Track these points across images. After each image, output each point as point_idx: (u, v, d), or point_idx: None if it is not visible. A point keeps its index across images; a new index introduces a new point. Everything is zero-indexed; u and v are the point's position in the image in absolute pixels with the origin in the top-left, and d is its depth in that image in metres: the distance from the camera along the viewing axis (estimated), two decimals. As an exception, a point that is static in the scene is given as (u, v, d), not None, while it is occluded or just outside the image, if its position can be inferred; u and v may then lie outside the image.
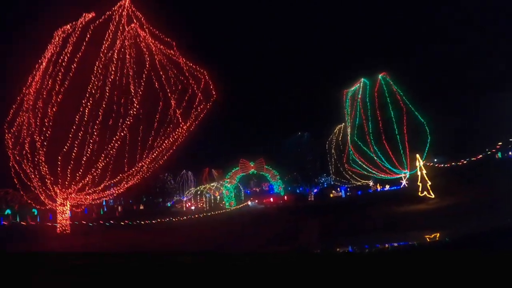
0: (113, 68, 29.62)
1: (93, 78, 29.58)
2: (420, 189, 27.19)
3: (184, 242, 22.58)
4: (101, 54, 30.13)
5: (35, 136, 29.60)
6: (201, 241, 22.00)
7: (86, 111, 29.05)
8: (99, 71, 29.76)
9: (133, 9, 31.21)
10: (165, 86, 30.41)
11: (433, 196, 26.27)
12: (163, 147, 29.48)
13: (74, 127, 28.96)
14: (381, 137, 57.20)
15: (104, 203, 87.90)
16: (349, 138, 62.80)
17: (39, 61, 32.03)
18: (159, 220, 40.56)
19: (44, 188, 30.36)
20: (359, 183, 72.94)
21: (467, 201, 23.52)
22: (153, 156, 29.43)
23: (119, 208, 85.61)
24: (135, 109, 28.53)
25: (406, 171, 59.58)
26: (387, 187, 70.93)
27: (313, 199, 77.02)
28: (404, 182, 61.88)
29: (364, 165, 61.33)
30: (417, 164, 27.07)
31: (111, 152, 28.22)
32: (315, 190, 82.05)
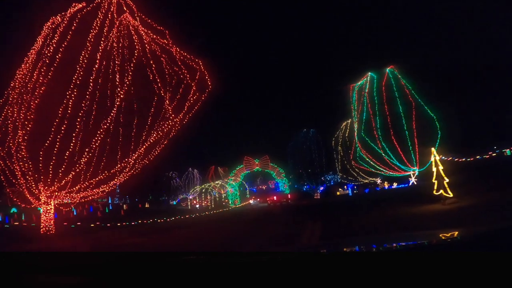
0: (99, 58, 26.69)
1: (78, 69, 26.73)
2: (435, 187, 23.63)
3: (172, 244, 21.02)
4: (87, 44, 27.30)
5: (18, 131, 26.88)
6: (197, 241, 20.56)
7: (70, 103, 26.20)
8: (85, 61, 26.94)
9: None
10: (155, 76, 27.42)
11: (451, 195, 22.78)
12: (151, 140, 26.42)
13: (57, 120, 26.16)
14: (389, 133, 53.92)
15: (110, 201, 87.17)
16: (356, 134, 59.50)
17: (28, 53, 29.50)
18: (151, 220, 37.62)
19: (28, 185, 27.59)
20: (366, 181, 69.53)
21: (491, 201, 20.10)
22: (142, 150, 26.38)
23: (125, 206, 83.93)
24: (119, 100, 25.57)
25: (415, 168, 56.31)
26: (395, 185, 67.54)
27: (319, 197, 73.69)
28: (412, 179, 58.40)
29: (371, 162, 58.06)
30: (432, 159, 23.50)
31: (94, 146, 25.26)
32: (322, 188, 78.83)
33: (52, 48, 27.60)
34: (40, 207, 28.28)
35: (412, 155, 54.75)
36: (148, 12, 29.98)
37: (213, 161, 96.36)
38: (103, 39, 27.73)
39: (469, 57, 66.56)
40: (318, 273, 2.65)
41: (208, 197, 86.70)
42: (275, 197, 77.45)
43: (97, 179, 26.63)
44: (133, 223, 35.59)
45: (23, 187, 27.71)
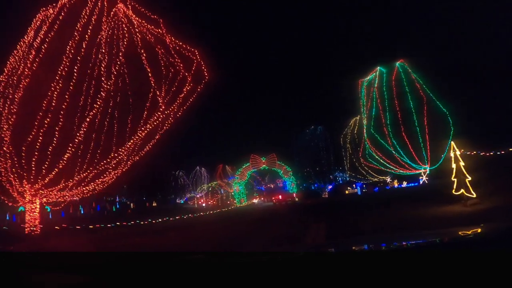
0: (84, 47, 24.22)
1: (64, 60, 24.29)
2: (455, 186, 20.38)
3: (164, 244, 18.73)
4: (75, 34, 24.87)
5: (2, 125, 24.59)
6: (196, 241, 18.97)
7: (55, 95, 23.76)
8: (72, 52, 24.49)
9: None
10: (147, 67, 24.82)
11: (474, 195, 19.59)
12: (140, 134, 23.77)
13: (41, 113, 23.73)
14: (399, 129, 50.72)
15: (117, 199, 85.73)
16: (365, 130, 56.40)
17: (17, 46, 27.26)
18: (150, 220, 35.01)
19: (13, 183, 25.21)
20: (375, 179, 66.22)
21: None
22: (130, 145, 23.76)
23: (132, 205, 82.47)
24: (104, 91, 22.99)
25: (426, 166, 53.03)
26: (404, 183, 64.11)
27: (327, 196, 70.52)
28: (423, 178, 55.07)
29: (381, 160, 54.89)
30: (451, 154, 20.27)
31: (77, 140, 22.71)
32: (330, 187, 75.64)
33: (40, 39, 25.35)
34: (25, 206, 25.85)
35: (423, 153, 51.67)
36: (144, 4, 27.54)
37: (222, 159, 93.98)
38: (90, 27, 25.24)
39: (485, 48, 62.41)
40: (317, 273, 2.56)
41: (217, 195, 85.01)
42: (280, 196, 74.62)
43: (83, 175, 23.98)
44: (129, 223, 32.98)
45: (7, 185, 25.31)
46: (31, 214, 25.71)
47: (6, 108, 24.88)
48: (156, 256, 4.29)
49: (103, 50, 24.43)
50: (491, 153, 27.52)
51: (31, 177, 24.35)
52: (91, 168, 23.86)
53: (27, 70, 24.83)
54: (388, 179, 66.87)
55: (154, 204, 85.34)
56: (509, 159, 26.48)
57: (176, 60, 25.40)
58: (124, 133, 24.07)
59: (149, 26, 27.24)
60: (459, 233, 4.25)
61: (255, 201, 76.55)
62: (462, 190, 19.79)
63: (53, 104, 23.85)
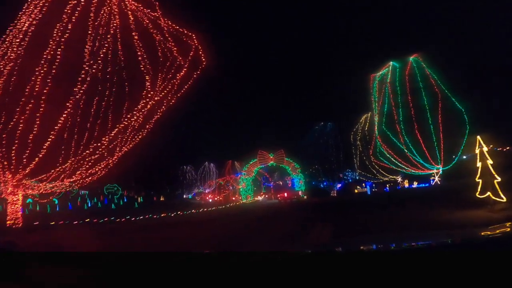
0: (69, 29, 21.81)
1: (51, 43, 21.94)
2: (479, 188, 17.16)
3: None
4: (64, 16, 22.50)
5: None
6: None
7: (38, 80, 21.41)
8: (58, 35, 22.11)
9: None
10: (138, 51, 22.30)
11: (504, 199, 16.44)
12: (126, 123, 21.23)
13: (23, 99, 21.41)
14: (412, 127, 47.54)
15: (125, 192, 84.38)
16: (376, 127, 53.23)
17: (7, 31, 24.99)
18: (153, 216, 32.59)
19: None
20: (386, 179, 62.94)
21: None
22: (114, 133, 21.24)
23: (138, 199, 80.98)
24: (89, 76, 20.49)
25: (439, 166, 49.78)
26: (415, 184, 60.76)
27: (335, 194, 67.42)
28: (436, 178, 51.78)
29: (392, 159, 51.80)
30: (477, 150, 17.11)
31: (58, 126, 20.28)
32: (339, 185, 72.50)
33: (28, 23, 23.04)
34: (7, 197, 23.63)
35: (437, 152, 48.50)
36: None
37: (231, 155, 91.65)
38: (79, 8, 22.80)
39: (505, 42, 58.25)
40: (314, 273, 2.52)
41: (226, 191, 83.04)
42: (286, 194, 71.85)
43: (66, 166, 21.54)
44: (122, 220, 30.58)
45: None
46: (12, 207, 23.45)
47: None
48: (136, 256, 4.05)
49: (90, 33, 21.91)
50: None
51: (12, 167, 22.08)
52: (72, 158, 21.35)
53: (13, 55, 22.53)
54: (399, 179, 63.58)
55: (162, 199, 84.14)
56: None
57: (171, 43, 22.79)
58: (112, 120, 21.56)
59: (145, 10, 24.76)
60: (481, 233, 3.98)
61: (259, 198, 74.12)
62: (488, 193, 16.67)
63: (36, 89, 21.49)
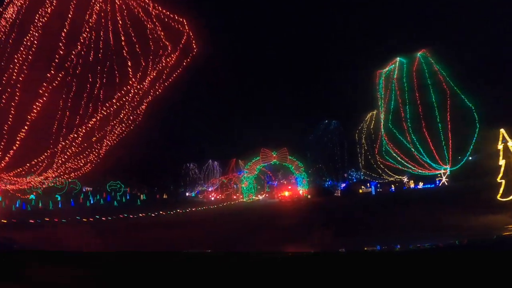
0: (49, 14, 19.70)
1: (32, 29, 19.88)
2: (502, 190, 14.52)
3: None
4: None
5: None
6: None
7: (16, 67, 19.37)
8: (40, 20, 20.10)
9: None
10: (121, 34, 20.07)
11: None
12: (103, 112, 19.00)
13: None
14: (420, 125, 44.97)
15: (128, 189, 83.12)
16: (382, 125, 50.65)
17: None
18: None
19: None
20: (391, 179, 60.29)
21: None
22: (91, 123, 19.03)
23: (141, 196, 79.62)
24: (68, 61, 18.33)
25: (447, 166, 47.19)
26: (421, 184, 57.91)
27: (339, 194, 64.80)
28: (443, 179, 49.13)
29: (398, 158, 49.23)
30: (500, 146, 14.49)
31: (31, 117, 18.14)
32: (343, 185, 69.90)
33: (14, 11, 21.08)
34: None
35: (445, 151, 45.95)
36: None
37: (235, 154, 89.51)
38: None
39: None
40: (340, 273, 2.46)
41: (230, 189, 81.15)
42: (286, 193, 69.35)
43: (41, 158, 19.36)
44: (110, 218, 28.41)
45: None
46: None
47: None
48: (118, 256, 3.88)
49: (71, 17, 19.74)
50: None
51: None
52: (49, 151, 19.19)
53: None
54: (405, 179, 60.87)
55: (165, 196, 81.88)
56: None
57: (159, 28, 20.55)
58: (92, 110, 19.35)
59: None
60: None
61: (259, 197, 71.91)
62: None
63: (14, 77, 19.39)
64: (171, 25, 22.09)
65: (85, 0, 21.09)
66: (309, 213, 29.47)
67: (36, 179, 21.13)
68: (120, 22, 20.79)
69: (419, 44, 48.98)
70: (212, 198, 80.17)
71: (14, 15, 20.99)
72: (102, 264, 3.23)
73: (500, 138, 14.48)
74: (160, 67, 20.11)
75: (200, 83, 64.63)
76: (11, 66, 19.57)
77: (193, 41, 21.89)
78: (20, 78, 18.80)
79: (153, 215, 31.35)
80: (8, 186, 22.30)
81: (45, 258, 3.72)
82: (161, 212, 33.35)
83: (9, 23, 20.82)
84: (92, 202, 58.70)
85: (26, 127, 18.64)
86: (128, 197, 71.93)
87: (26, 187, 23.00)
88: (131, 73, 19.17)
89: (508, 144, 14.16)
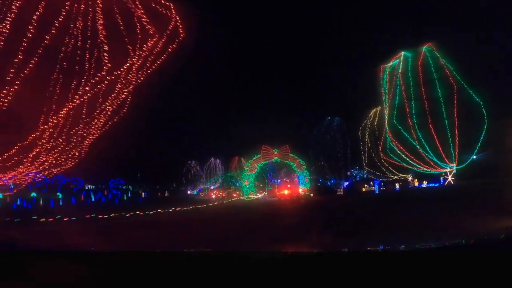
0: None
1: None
2: None
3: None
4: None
5: None
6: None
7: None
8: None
9: None
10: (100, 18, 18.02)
11: None
12: (75, 100, 16.91)
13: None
14: (426, 120, 42.61)
15: (130, 188, 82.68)
16: (386, 121, 48.26)
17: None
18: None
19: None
20: (395, 177, 57.86)
21: None
22: (63, 113, 16.96)
23: (143, 194, 78.78)
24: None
25: (453, 165, 44.80)
26: (425, 183, 55.36)
27: (342, 193, 62.36)
28: (449, 178, 46.70)
29: (403, 155, 46.89)
30: None
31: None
32: (346, 184, 67.52)
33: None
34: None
35: (451, 149, 43.55)
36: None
37: (238, 151, 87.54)
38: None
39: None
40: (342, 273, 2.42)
41: (233, 187, 79.50)
42: (286, 192, 67.12)
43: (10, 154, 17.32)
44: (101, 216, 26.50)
45: None
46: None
47: None
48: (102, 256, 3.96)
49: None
50: None
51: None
52: (18, 145, 17.14)
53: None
54: (410, 178, 58.36)
55: (167, 194, 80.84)
56: None
57: (140, 11, 18.44)
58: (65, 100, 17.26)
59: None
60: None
61: (258, 195, 69.92)
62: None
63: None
64: (158, 11, 20.06)
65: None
66: (308, 211, 27.91)
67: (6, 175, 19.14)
68: (100, 5, 18.75)
69: (424, 38, 46.50)
70: (214, 196, 78.21)
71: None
72: (103, 264, 3.19)
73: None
74: (145, 54, 18.04)
75: (199, 79, 63.44)
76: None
77: (180, 26, 19.81)
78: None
79: (134, 214, 29.67)
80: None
81: (46, 257, 3.65)
82: (159, 210, 31.82)
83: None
84: (93, 200, 57.71)
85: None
86: (129, 195, 71.03)
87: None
88: (106, 58, 17.07)
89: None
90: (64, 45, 17.94)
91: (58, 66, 17.76)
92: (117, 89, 18.10)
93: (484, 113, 41.48)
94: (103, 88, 17.54)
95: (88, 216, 24.87)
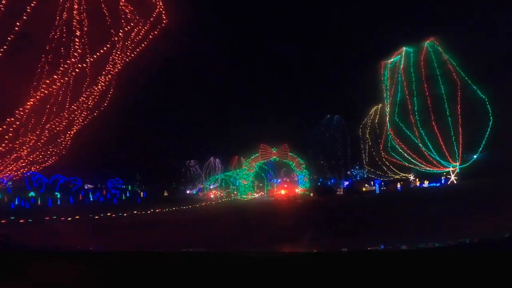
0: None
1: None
2: None
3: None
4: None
5: None
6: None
7: None
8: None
9: None
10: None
11: None
12: (42, 91, 15.00)
13: None
14: (428, 118, 40.66)
15: (129, 187, 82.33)
16: (388, 119, 46.34)
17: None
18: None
19: None
20: (397, 177, 55.79)
21: None
22: (29, 105, 15.07)
23: (141, 194, 78.09)
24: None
25: (457, 164, 42.80)
26: (426, 183, 53.27)
27: (342, 192, 60.36)
28: (452, 177, 44.68)
29: (405, 154, 44.94)
30: None
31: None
32: (346, 183, 65.61)
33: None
34: None
35: (455, 147, 41.52)
36: None
37: (237, 151, 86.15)
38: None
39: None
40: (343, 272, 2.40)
41: (233, 187, 78.31)
42: (283, 192, 65.46)
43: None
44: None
45: None
46: None
47: None
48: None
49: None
50: None
51: None
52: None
53: None
54: (411, 177, 56.28)
55: (166, 194, 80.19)
56: None
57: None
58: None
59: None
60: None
61: (255, 195, 68.38)
62: None
63: None
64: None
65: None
66: (306, 211, 26.52)
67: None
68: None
69: (426, 33, 44.60)
70: (212, 196, 77.24)
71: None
72: (102, 263, 3.15)
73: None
74: (127, 42, 16.16)
75: (200, 79, 62.44)
76: None
77: (163, 12, 17.92)
78: None
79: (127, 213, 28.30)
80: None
81: (46, 257, 3.56)
82: (157, 210, 31.31)
83: None
84: (91, 199, 57.46)
85: None
86: (128, 195, 70.27)
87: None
88: (77, 44, 15.16)
89: None
90: (35, 32, 16.12)
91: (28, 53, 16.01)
92: (99, 81, 16.22)
93: (489, 110, 39.47)
94: (73, 77, 15.63)
95: (78, 216, 23.67)
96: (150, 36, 17.07)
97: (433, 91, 41.43)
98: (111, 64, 16.28)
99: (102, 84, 16.73)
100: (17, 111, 15.36)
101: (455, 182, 44.61)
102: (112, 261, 3.21)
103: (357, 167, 69.20)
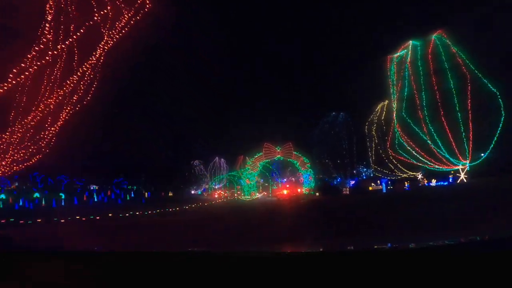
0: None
1: None
2: None
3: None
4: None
5: None
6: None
7: None
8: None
9: None
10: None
11: None
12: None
13: None
14: (437, 113, 38.70)
15: (134, 188, 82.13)
16: (395, 114, 44.47)
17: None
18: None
19: None
20: (404, 175, 53.65)
21: None
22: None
23: (146, 194, 77.54)
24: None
25: (467, 162, 40.72)
26: (434, 181, 51.03)
27: (348, 192, 58.13)
28: (462, 175, 42.54)
29: (413, 152, 42.94)
30: None
31: None
32: (352, 182, 63.47)
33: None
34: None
35: (465, 144, 39.49)
36: None
37: (243, 151, 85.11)
38: None
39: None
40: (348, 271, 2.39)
41: (238, 186, 77.32)
42: (285, 191, 63.74)
43: None
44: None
45: None
46: None
47: None
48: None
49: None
50: None
51: None
52: None
53: None
54: (420, 176, 54.00)
55: (170, 194, 78.96)
56: None
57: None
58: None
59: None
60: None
61: (258, 195, 66.87)
62: None
63: None
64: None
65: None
66: (306, 211, 25.99)
67: None
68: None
69: (433, 25, 42.68)
70: (216, 196, 76.43)
71: None
72: (102, 264, 3.15)
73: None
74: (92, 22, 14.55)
75: (201, 79, 61.67)
76: None
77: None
78: None
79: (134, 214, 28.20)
80: None
81: (45, 257, 3.60)
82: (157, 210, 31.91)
83: None
84: (96, 200, 57.40)
85: None
86: (132, 195, 69.98)
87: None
88: (47, 29, 13.54)
89: None
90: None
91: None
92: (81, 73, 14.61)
93: (501, 104, 37.41)
94: (50, 68, 14.01)
95: (78, 217, 23.98)
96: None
97: (442, 85, 39.65)
98: (100, 48, 14.62)
99: (87, 77, 15.16)
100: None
101: (465, 180, 42.67)
102: (112, 261, 3.17)
103: (363, 165, 67.17)
